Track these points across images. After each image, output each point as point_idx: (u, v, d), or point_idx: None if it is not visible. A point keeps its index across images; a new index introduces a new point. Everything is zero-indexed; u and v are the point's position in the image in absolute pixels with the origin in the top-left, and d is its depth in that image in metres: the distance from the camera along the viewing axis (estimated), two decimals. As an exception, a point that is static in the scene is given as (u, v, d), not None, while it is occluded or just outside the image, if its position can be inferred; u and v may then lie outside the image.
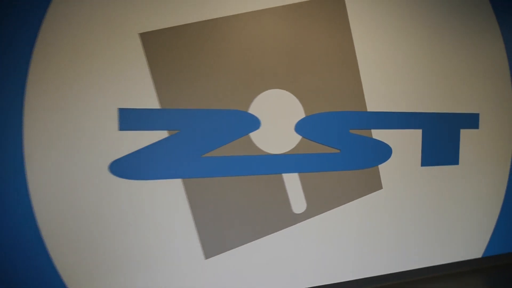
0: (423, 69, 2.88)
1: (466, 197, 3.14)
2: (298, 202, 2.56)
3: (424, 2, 2.86)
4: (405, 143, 2.87)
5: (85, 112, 2.05)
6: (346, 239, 2.71)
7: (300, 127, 2.52)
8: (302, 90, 2.52)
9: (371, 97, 2.72)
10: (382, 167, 2.80)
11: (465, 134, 3.09)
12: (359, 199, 2.75)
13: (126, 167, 2.14)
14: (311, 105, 2.55)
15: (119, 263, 2.17)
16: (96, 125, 2.08)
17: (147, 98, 2.17)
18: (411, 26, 2.82)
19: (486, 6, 3.10)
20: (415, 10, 2.83)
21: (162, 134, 2.21)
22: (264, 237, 2.48)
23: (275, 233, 2.51)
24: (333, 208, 2.67)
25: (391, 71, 2.78)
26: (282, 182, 2.51)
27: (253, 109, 2.40)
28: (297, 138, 2.53)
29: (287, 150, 2.51)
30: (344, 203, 2.70)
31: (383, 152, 2.80)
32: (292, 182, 2.54)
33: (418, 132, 2.92)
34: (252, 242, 2.46)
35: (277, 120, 2.47)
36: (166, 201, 2.24)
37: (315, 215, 2.61)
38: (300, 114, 2.53)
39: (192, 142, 2.26)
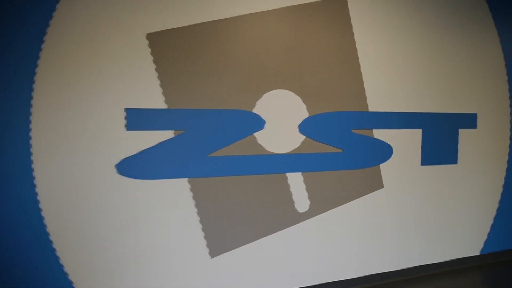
0: (423, 70, 2.94)
1: (464, 195, 3.20)
2: (301, 201, 2.59)
3: (424, 5, 2.91)
4: (405, 143, 2.92)
5: (92, 112, 2.06)
6: (348, 237, 2.75)
7: (303, 127, 2.56)
8: (306, 90, 2.55)
9: (372, 97, 2.76)
10: (383, 167, 2.85)
11: (464, 134, 3.15)
12: (361, 198, 2.79)
13: (133, 167, 2.15)
14: (314, 105, 2.58)
15: (126, 262, 2.18)
16: (103, 125, 2.09)
17: (154, 98, 2.19)
18: (412, 28, 2.87)
19: (484, 8, 3.16)
20: (415, 13, 2.88)
21: (169, 134, 2.22)
22: (268, 236, 2.51)
23: (279, 232, 2.54)
24: (335, 207, 2.70)
25: (392, 71, 2.82)
26: (286, 182, 2.54)
27: (258, 109, 2.43)
28: (301, 138, 2.56)
29: (291, 150, 2.54)
30: (346, 202, 2.74)
31: (384, 151, 2.85)
32: (295, 181, 2.57)
33: (418, 132, 2.97)
34: (256, 241, 2.48)
35: (281, 120, 2.50)
36: (173, 200, 2.26)
37: (318, 214, 2.65)
38: (304, 114, 2.56)
39: (198, 142, 2.28)
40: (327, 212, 2.67)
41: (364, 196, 2.80)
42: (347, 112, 2.69)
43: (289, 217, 2.56)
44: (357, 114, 2.72)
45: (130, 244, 2.18)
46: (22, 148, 1.95)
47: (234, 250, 2.43)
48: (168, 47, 2.20)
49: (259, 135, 2.44)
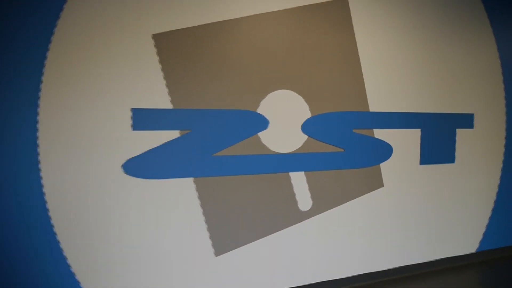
0: (421, 71, 2.99)
1: (461, 194, 3.27)
2: (304, 200, 2.63)
3: (423, 8, 2.97)
4: (405, 142, 2.98)
5: (99, 112, 2.08)
6: (350, 235, 2.80)
7: (306, 127, 2.59)
8: (308, 91, 2.59)
9: (373, 97, 2.81)
10: (383, 166, 2.90)
11: (461, 134, 3.22)
12: (362, 196, 2.83)
13: (139, 167, 2.17)
14: (317, 105, 2.62)
15: (131, 260, 2.19)
16: (110, 125, 2.10)
17: (160, 98, 2.21)
18: (411, 31, 2.93)
19: (481, 12, 3.23)
20: (415, 16, 2.94)
21: (174, 134, 2.24)
22: (272, 235, 2.54)
23: (283, 230, 2.57)
24: (337, 206, 2.75)
25: (392, 72, 2.88)
26: (289, 181, 2.58)
27: (262, 109, 2.46)
28: (304, 137, 2.60)
29: (294, 149, 2.57)
30: (348, 201, 2.78)
31: (384, 151, 2.89)
32: (298, 180, 2.60)
33: (417, 132, 3.03)
34: (260, 239, 2.51)
35: (284, 120, 2.53)
36: (178, 200, 2.28)
37: (320, 213, 2.69)
38: (307, 114, 2.60)
39: (203, 142, 2.30)
40: (329, 210, 2.71)
41: (365, 195, 2.85)
42: (348, 112, 2.73)
43: (292, 215, 2.60)
44: (358, 114, 2.76)
45: (136, 243, 2.20)
46: (30, 148, 1.96)
47: (239, 248, 2.45)
48: (173, 48, 2.22)
49: (263, 135, 2.48)
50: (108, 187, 2.12)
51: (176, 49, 2.23)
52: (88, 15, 2.04)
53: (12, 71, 1.92)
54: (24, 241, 1.98)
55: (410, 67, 2.95)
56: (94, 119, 2.07)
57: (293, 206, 2.60)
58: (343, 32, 2.68)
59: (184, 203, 2.30)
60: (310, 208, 2.65)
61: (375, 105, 2.82)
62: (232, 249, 2.44)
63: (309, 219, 2.65)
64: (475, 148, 3.29)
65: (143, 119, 2.17)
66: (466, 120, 3.24)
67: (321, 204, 2.69)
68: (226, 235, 2.41)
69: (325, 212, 2.70)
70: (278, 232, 2.56)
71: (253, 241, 2.49)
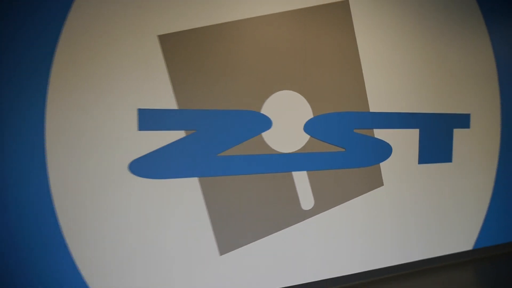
0: (420, 72, 3.05)
1: (458, 192, 3.34)
2: (306, 199, 2.67)
3: (422, 10, 3.03)
4: (404, 142, 3.03)
5: (105, 113, 2.09)
6: (351, 234, 2.84)
7: (308, 127, 2.63)
8: (311, 91, 2.63)
9: (373, 98, 2.86)
10: (383, 165, 2.95)
11: (458, 133, 3.28)
12: (362, 195, 2.88)
13: (145, 166, 2.19)
14: (318, 106, 2.66)
15: (137, 259, 2.21)
16: (116, 125, 2.12)
17: (165, 99, 2.23)
18: (410, 33, 2.99)
19: (478, 15, 3.30)
20: (414, 20, 3.00)
21: (179, 134, 2.26)
22: (275, 233, 2.57)
23: (285, 229, 2.61)
24: (338, 205, 2.79)
25: (391, 73, 2.93)
26: (292, 180, 2.61)
27: (265, 110, 2.49)
28: (306, 137, 2.64)
29: (296, 149, 2.61)
30: (349, 200, 2.83)
31: (384, 150, 2.95)
32: (301, 180, 2.64)
33: (416, 132, 3.08)
34: (264, 238, 2.54)
35: (287, 120, 2.56)
36: (183, 199, 2.30)
37: (322, 211, 2.73)
38: (309, 114, 2.64)
39: (208, 142, 2.33)
40: (330, 209, 2.75)
41: (365, 194, 2.90)
42: (349, 113, 2.78)
43: (295, 214, 2.63)
44: (359, 115, 2.81)
45: (142, 241, 2.21)
46: (37, 149, 1.97)
47: (243, 247, 2.48)
48: (179, 49, 2.24)
49: (266, 135, 2.51)
50: (114, 187, 2.13)
51: (182, 50, 2.25)
52: (95, 16, 2.05)
53: (19, 72, 1.92)
54: (31, 240, 1.99)
55: (409, 68, 3.01)
56: (100, 120, 2.08)
57: (296, 205, 2.64)
58: (344, 34, 2.72)
59: (189, 202, 2.32)
60: (312, 207, 2.69)
61: (375, 106, 2.88)
62: (237, 248, 2.46)
63: (311, 217, 2.69)
64: (471, 148, 3.36)
65: (149, 119, 2.19)
66: (463, 120, 3.31)
67: (323, 203, 2.73)
68: (230, 234, 2.44)
69: (327, 211, 2.74)
70: (281, 231, 2.59)
71: (257, 240, 2.52)
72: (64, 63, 2.00)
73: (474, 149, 3.38)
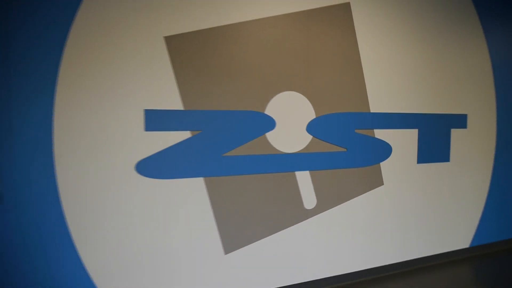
0: (419, 73, 3.11)
1: (455, 191, 3.40)
2: (309, 198, 2.71)
3: (422, 15, 3.09)
4: (403, 142, 3.09)
5: (113, 113, 2.11)
6: (352, 232, 2.89)
7: (311, 127, 2.67)
8: (313, 92, 2.67)
9: (373, 99, 2.91)
10: (383, 165, 3.00)
11: (455, 134, 3.35)
12: (363, 194, 2.93)
13: (152, 167, 2.21)
14: (321, 106, 2.70)
15: (144, 259, 2.23)
16: (123, 125, 2.13)
17: (172, 100, 2.25)
18: (409, 35, 3.04)
19: (474, 18, 3.38)
20: (414, 23, 3.06)
21: (185, 135, 2.29)
22: (279, 232, 2.61)
23: (289, 228, 2.64)
24: (340, 204, 2.83)
25: (391, 74, 2.98)
26: (295, 180, 2.65)
27: (269, 111, 2.53)
28: (308, 137, 2.68)
29: (299, 149, 2.65)
30: (350, 199, 2.87)
31: (384, 150, 3.00)
32: (303, 179, 2.68)
33: (415, 132, 3.14)
34: (268, 237, 2.58)
35: (290, 121, 2.60)
36: (189, 199, 2.33)
37: (324, 211, 2.77)
38: (311, 115, 2.68)
39: (213, 142, 2.35)
40: (332, 208, 2.80)
41: (366, 193, 2.95)
42: (350, 113, 2.82)
43: (298, 213, 2.67)
44: (359, 115, 2.86)
45: (148, 241, 2.23)
46: (45, 149, 1.98)
47: (247, 246, 2.51)
48: (185, 50, 2.27)
49: (270, 135, 2.54)
50: (121, 187, 2.15)
51: (187, 52, 2.27)
52: (102, 17, 2.07)
53: (28, 72, 1.93)
54: (39, 240, 2.00)
55: (409, 69, 3.06)
56: (108, 120, 2.10)
57: (299, 205, 2.68)
58: (345, 36, 2.77)
59: (195, 202, 2.35)
60: (315, 206, 2.73)
61: (375, 106, 2.93)
62: (241, 247, 2.49)
63: (314, 216, 2.73)
64: (468, 147, 3.43)
65: (156, 120, 2.21)
66: (460, 121, 3.37)
67: (325, 202, 2.77)
68: (235, 233, 2.47)
69: (329, 210, 2.79)
70: (285, 230, 2.63)
71: (261, 238, 2.55)
72: (72, 63, 2.01)
73: (471, 148, 3.45)
